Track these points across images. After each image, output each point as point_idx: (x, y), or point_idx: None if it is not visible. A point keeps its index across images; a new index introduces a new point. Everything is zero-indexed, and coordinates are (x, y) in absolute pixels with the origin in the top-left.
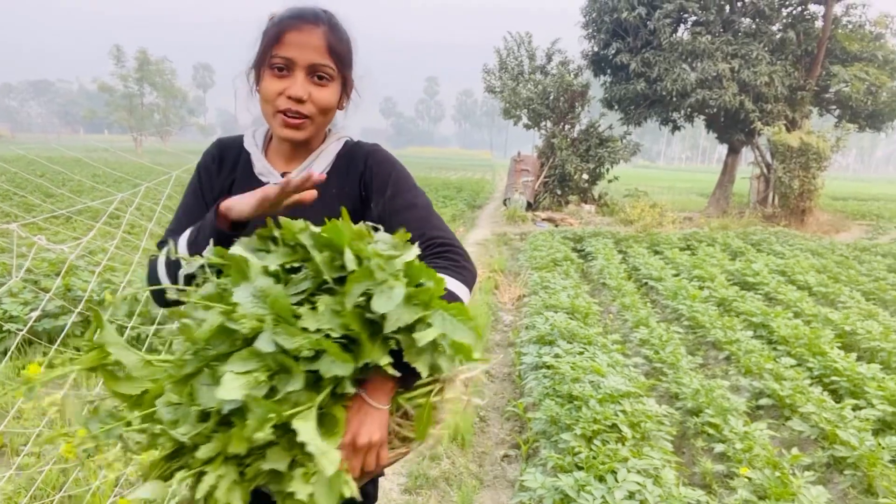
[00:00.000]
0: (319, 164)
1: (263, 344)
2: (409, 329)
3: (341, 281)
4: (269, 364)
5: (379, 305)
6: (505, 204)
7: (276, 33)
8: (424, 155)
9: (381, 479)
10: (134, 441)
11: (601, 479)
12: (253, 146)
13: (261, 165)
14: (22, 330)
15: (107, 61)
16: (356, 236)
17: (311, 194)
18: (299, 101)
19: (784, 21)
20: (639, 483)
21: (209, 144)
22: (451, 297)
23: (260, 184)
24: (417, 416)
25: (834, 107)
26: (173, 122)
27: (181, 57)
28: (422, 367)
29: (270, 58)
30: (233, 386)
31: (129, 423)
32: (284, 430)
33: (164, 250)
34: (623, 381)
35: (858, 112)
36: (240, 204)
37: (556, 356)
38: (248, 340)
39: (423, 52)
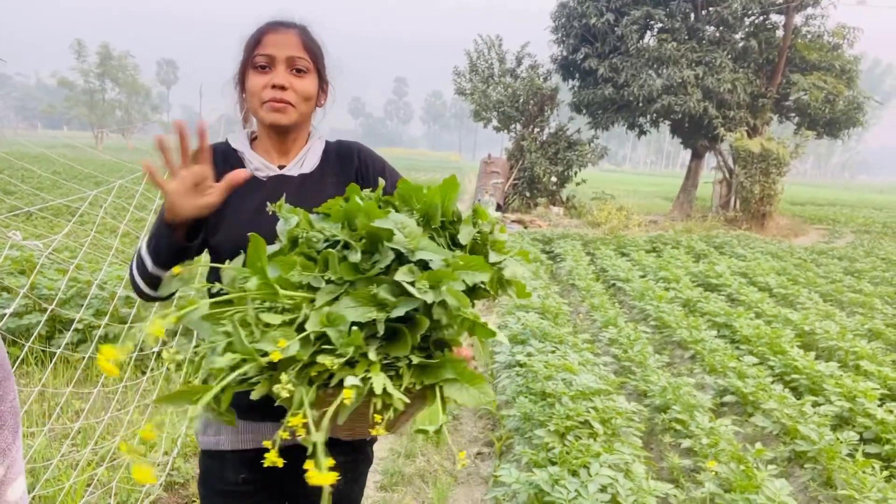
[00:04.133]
0: (311, 159)
1: (426, 255)
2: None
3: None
4: (421, 276)
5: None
6: None
7: (257, 37)
8: (393, 156)
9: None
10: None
11: (574, 474)
12: (242, 146)
13: (257, 162)
14: None
15: (67, 55)
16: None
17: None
18: (282, 88)
19: (747, 30)
20: (610, 477)
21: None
22: None
23: (253, 179)
24: (476, 346)
25: (793, 114)
26: (136, 118)
27: (145, 52)
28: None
29: (253, 58)
30: (420, 290)
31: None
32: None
33: (137, 255)
34: (594, 379)
35: (817, 119)
36: (181, 208)
37: (529, 355)
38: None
39: (391, 51)
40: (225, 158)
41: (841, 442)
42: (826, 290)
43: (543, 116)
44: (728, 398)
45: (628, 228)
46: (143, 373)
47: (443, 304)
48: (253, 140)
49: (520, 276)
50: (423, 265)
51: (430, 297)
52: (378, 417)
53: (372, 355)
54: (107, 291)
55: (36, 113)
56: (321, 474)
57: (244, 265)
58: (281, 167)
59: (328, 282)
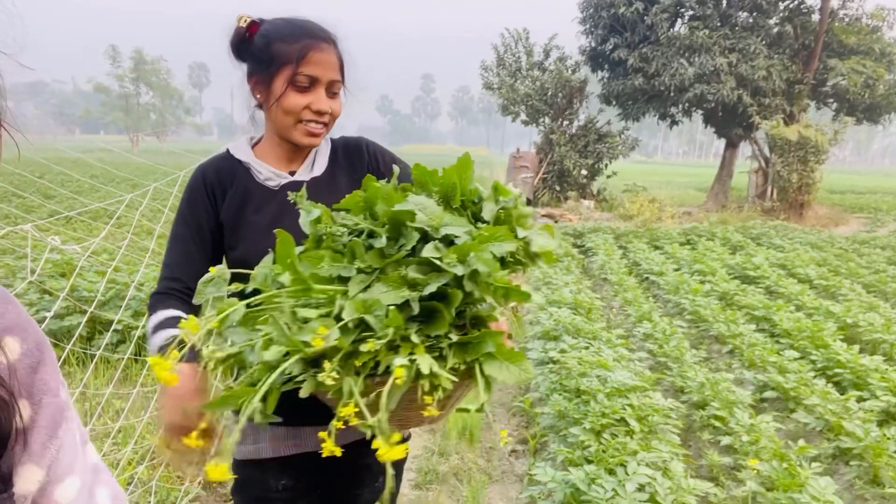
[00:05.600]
0: (321, 161)
1: (452, 229)
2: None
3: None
4: (447, 252)
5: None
6: None
7: (300, 52)
8: (421, 152)
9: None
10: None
11: (611, 472)
12: (247, 156)
13: (266, 171)
14: None
15: (102, 60)
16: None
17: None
18: (322, 114)
19: (781, 15)
20: (648, 476)
21: (212, 142)
22: None
23: (265, 189)
24: (511, 320)
25: (831, 100)
26: (169, 121)
27: (177, 55)
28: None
29: (295, 75)
30: (449, 262)
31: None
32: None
33: (153, 323)
34: (629, 376)
35: (856, 105)
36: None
37: (562, 351)
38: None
39: (419, 47)
40: (232, 173)
41: (888, 438)
42: (869, 280)
43: (572, 109)
44: (768, 394)
45: (661, 221)
46: None
47: (473, 275)
48: (254, 146)
49: (548, 246)
50: (449, 242)
51: (459, 270)
52: (429, 399)
53: (414, 337)
54: (144, 293)
55: (73, 118)
56: (390, 449)
57: (274, 264)
58: (291, 173)
59: (358, 271)
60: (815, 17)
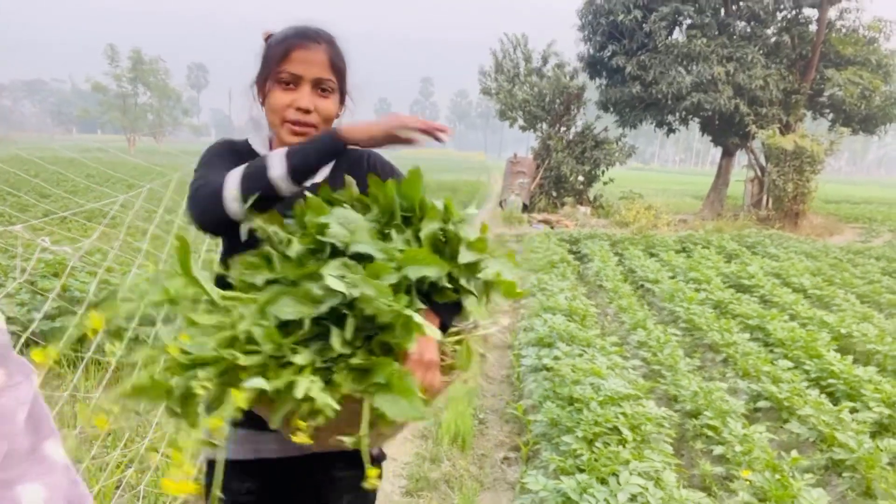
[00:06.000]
0: (324, 168)
1: (361, 247)
2: (470, 268)
3: (406, 222)
4: (357, 271)
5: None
6: (501, 206)
7: (284, 51)
8: (419, 156)
9: (382, 482)
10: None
11: (603, 482)
12: (262, 149)
13: None
14: (20, 331)
15: (101, 60)
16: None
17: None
18: (306, 111)
19: (779, 25)
20: (640, 485)
21: (209, 143)
22: None
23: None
24: (461, 350)
25: (828, 110)
26: (167, 122)
27: (175, 56)
28: (474, 309)
29: (277, 73)
30: (336, 281)
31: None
32: (369, 341)
33: (239, 170)
34: (623, 384)
35: (852, 115)
36: (358, 130)
37: (556, 358)
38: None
39: (417, 51)
40: (246, 157)
41: (881, 450)
42: (863, 291)
43: (570, 115)
44: (762, 403)
45: (657, 228)
46: None
47: (367, 298)
48: (270, 145)
49: (505, 276)
50: (366, 259)
51: (347, 290)
52: (301, 424)
53: (301, 357)
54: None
55: (71, 117)
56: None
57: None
58: None
59: (269, 282)
60: (813, 27)
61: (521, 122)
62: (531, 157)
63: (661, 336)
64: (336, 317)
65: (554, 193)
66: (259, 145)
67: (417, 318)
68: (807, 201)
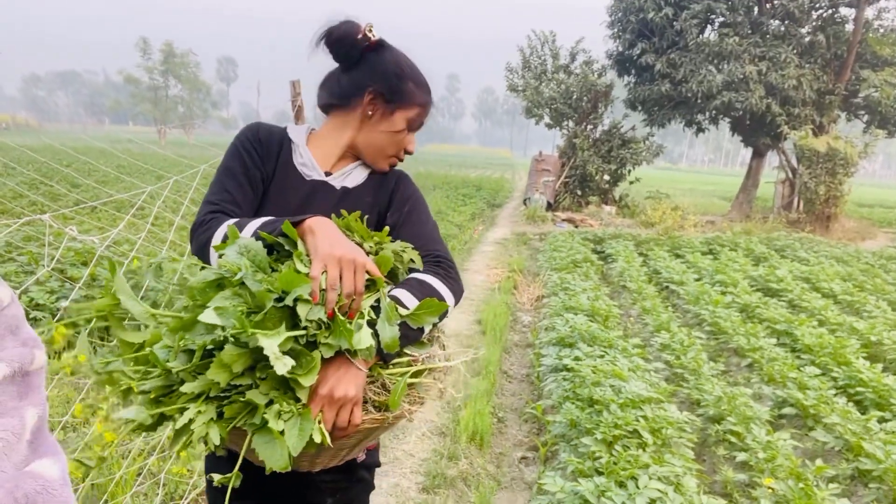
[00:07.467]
0: (357, 175)
1: (248, 281)
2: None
3: None
4: (248, 301)
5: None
6: (525, 203)
7: (426, 103)
8: (444, 152)
9: (398, 478)
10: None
11: (621, 485)
12: (298, 138)
13: (306, 158)
14: (48, 317)
15: (133, 52)
16: (364, 231)
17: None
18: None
19: (814, 24)
20: (660, 490)
21: (241, 129)
22: (440, 297)
23: (298, 174)
24: (393, 388)
25: (863, 112)
26: (197, 114)
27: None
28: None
29: (412, 119)
30: (211, 314)
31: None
32: (263, 373)
33: (222, 229)
34: (644, 387)
35: (887, 117)
36: (318, 237)
37: (577, 359)
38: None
39: (445, 47)
40: (280, 143)
41: None
42: (895, 297)
43: (597, 113)
44: (787, 410)
45: (683, 229)
46: None
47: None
48: (309, 135)
49: (361, 343)
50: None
51: (222, 321)
52: (181, 452)
53: (185, 387)
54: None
55: (103, 109)
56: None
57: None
58: (328, 174)
59: (185, 308)
60: (849, 27)
61: (547, 119)
62: (557, 155)
63: (685, 339)
64: (220, 347)
65: (579, 192)
66: (295, 134)
67: (317, 353)
68: (839, 204)
